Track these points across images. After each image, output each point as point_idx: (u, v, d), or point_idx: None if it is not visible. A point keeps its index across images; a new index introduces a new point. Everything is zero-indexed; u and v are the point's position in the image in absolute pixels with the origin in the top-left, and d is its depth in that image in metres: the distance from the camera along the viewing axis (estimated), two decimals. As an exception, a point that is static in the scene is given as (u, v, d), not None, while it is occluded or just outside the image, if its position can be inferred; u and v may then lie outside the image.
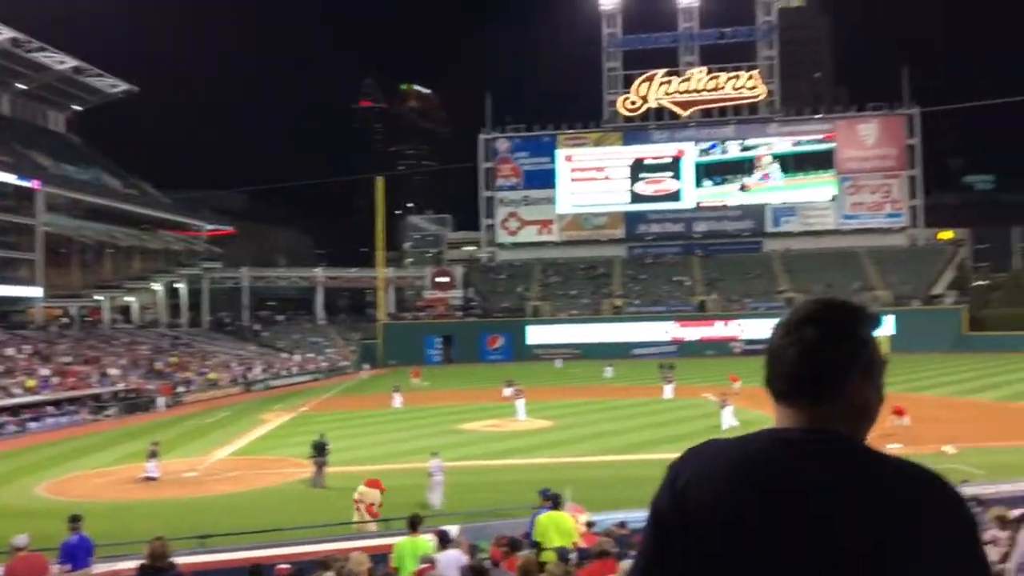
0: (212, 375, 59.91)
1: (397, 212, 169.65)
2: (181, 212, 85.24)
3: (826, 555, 1.50)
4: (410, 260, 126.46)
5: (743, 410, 31.47)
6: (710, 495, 1.60)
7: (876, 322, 1.73)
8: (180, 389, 53.34)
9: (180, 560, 11.74)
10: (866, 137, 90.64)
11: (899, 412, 27.31)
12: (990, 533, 7.87)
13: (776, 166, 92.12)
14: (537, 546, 10.58)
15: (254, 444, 33.03)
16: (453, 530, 12.88)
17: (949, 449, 24.39)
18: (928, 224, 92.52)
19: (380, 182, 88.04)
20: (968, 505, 1.57)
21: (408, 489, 22.00)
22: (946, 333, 74.41)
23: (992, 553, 7.22)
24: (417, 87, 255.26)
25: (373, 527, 16.99)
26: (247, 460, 28.89)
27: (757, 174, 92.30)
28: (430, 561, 9.30)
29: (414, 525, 10.91)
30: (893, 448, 25.04)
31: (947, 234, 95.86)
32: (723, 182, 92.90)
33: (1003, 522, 7.48)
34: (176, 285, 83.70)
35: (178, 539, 15.26)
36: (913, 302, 78.88)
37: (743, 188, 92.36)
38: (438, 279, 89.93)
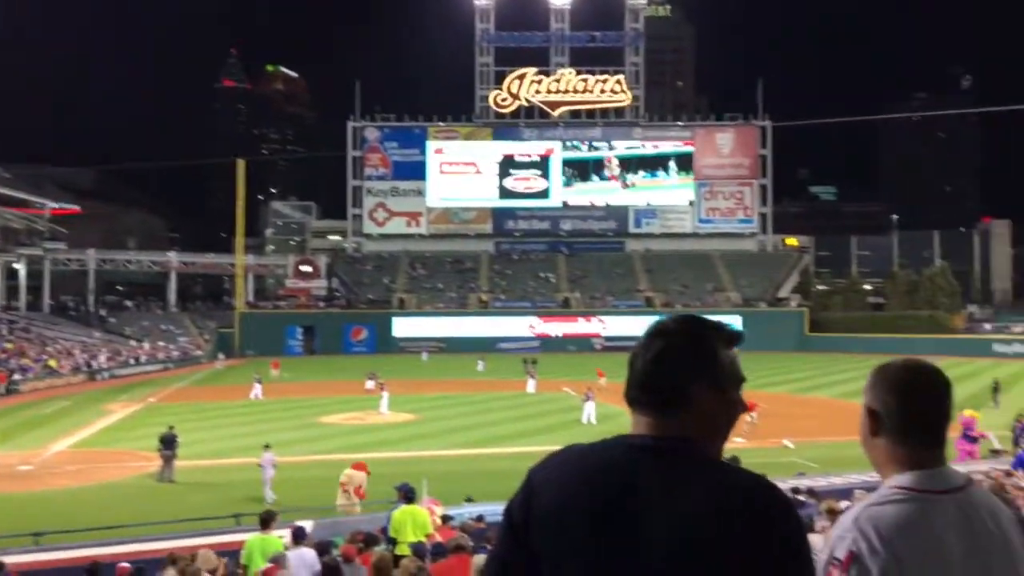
0: (51, 362, 56.21)
1: (259, 197, 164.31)
2: (22, 188, 79.25)
3: (651, 555, 1.59)
4: (272, 247, 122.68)
5: (606, 405, 32.32)
6: (554, 497, 1.68)
7: (733, 339, 1.81)
8: (16, 377, 49.74)
9: (10, 560, 10.94)
10: (722, 146, 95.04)
11: (750, 408, 28.69)
12: (820, 524, 8.40)
13: (639, 169, 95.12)
14: (393, 542, 10.50)
15: (97, 436, 31.23)
16: (308, 526, 12.61)
17: (788, 443, 25.90)
18: (776, 231, 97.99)
19: (241, 165, 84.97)
20: (800, 519, 1.66)
21: (260, 484, 21.39)
22: (790, 334, 79.07)
23: (819, 543, 7.71)
24: (284, 69, 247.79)
25: (358, 509, 17.09)
26: (89, 453, 27.26)
27: (621, 176, 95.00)
28: (276, 560, 9.03)
29: (265, 522, 10.59)
30: (736, 442, 26.40)
31: (793, 241, 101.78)
32: (589, 182, 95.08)
33: (832, 514, 7.98)
34: (15, 266, 77.93)
35: (8, 537, 14.25)
36: (761, 304, 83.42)
37: (609, 187, 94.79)
38: (301, 268, 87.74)
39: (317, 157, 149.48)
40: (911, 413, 1.95)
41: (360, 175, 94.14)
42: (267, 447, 20.51)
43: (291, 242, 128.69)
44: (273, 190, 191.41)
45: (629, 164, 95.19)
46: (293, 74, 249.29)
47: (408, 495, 11.18)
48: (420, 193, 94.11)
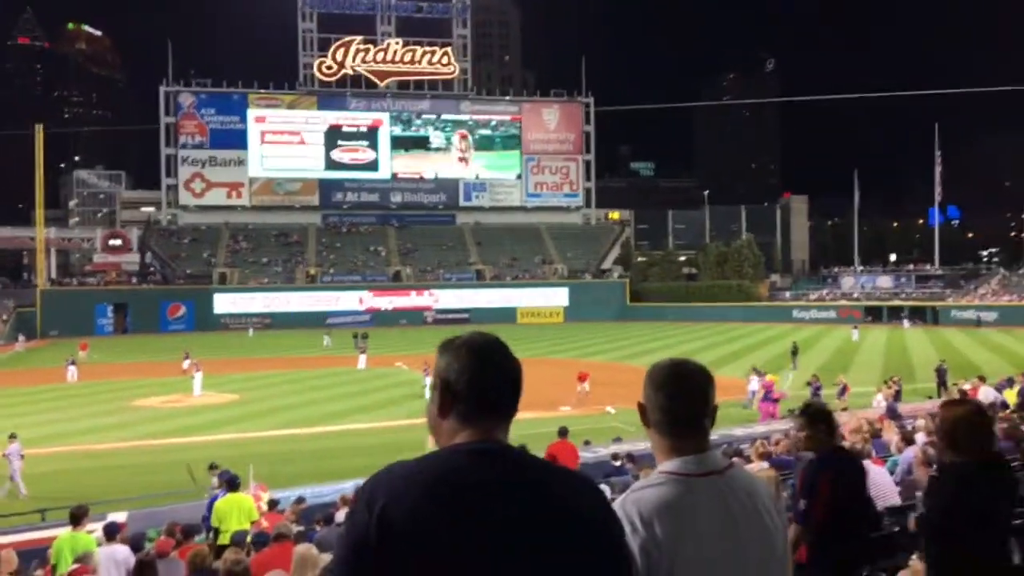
0: None
1: (61, 166, 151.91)
2: None
3: (515, 556, 1.66)
4: (76, 220, 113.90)
5: None
6: (408, 515, 1.66)
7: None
8: None
9: None
10: (549, 121, 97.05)
11: (582, 378, 29.59)
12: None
13: (468, 142, 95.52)
14: (216, 532, 10.10)
15: None
16: (122, 518, 11.91)
17: (611, 410, 27.04)
18: (599, 205, 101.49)
19: (40, 130, 77.92)
20: (613, 507, 1.87)
21: (73, 474, 20.03)
22: (612, 304, 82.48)
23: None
24: (87, 28, 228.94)
25: None
26: None
27: (451, 149, 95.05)
28: (82, 559, 8.47)
29: (76, 518, 9.87)
30: (563, 411, 27.32)
31: (615, 215, 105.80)
32: (418, 154, 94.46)
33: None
34: None
35: None
36: (586, 275, 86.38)
37: (438, 159, 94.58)
38: (110, 242, 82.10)
39: (126, 123, 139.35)
40: (669, 407, 2.21)
41: (174, 143, 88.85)
42: (12, 437, 18.95)
43: (98, 214, 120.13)
44: (77, 158, 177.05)
45: (458, 137, 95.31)
46: (97, 32, 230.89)
47: (231, 483, 10.75)
48: (241, 163, 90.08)
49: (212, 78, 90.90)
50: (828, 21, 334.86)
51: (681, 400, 2.21)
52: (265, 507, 11.69)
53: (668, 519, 2.03)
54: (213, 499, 11.04)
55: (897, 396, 26.06)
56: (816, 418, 4.65)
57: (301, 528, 9.86)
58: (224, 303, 76.49)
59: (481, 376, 1.87)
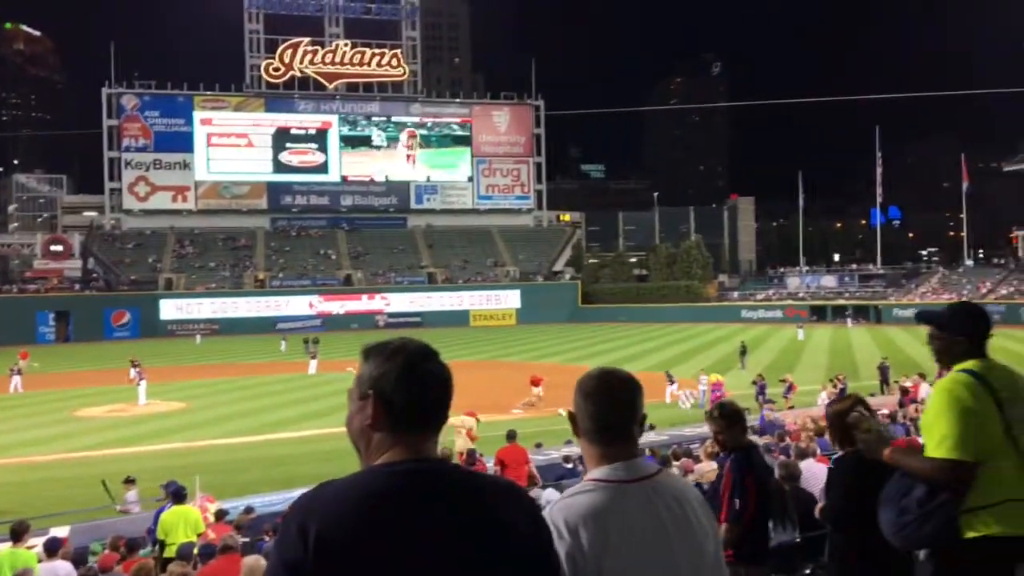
0: None
1: (0, 170, 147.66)
2: None
3: (455, 570, 1.67)
4: (16, 225, 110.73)
5: None
6: (344, 537, 1.63)
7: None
8: None
9: None
10: (499, 124, 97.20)
11: (536, 382, 29.54)
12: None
13: (418, 145, 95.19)
14: (162, 544, 9.91)
15: None
16: (64, 532, 11.62)
17: (562, 412, 27.13)
18: (551, 207, 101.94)
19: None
20: (543, 512, 1.90)
21: (13, 488, 19.48)
22: (565, 305, 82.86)
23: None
24: (26, 28, 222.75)
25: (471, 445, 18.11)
26: None
27: (401, 152, 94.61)
28: (22, 577, 8.26)
29: (17, 534, 9.59)
30: (514, 413, 27.40)
31: (566, 217, 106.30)
32: (368, 157, 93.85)
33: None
34: None
35: None
36: (537, 278, 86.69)
37: (389, 162, 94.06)
38: (51, 247, 79.88)
39: (67, 126, 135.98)
40: (598, 415, 2.26)
41: (118, 146, 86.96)
42: None
43: (39, 219, 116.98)
44: (16, 161, 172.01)
45: (408, 139, 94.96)
46: (36, 33, 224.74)
47: (177, 495, 10.55)
48: (187, 166, 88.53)
49: (156, 80, 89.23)
50: (774, 26, 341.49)
51: (609, 408, 2.25)
52: (212, 518, 11.50)
53: (594, 526, 2.05)
54: (159, 511, 10.83)
55: (842, 394, 26.69)
56: (733, 419, 4.83)
57: (247, 539, 9.73)
58: (170, 309, 75.04)
59: (420, 388, 1.84)
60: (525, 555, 1.76)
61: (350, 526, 1.65)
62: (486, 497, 1.78)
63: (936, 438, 3.07)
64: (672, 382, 30.01)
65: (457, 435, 19.23)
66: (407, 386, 1.83)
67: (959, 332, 3.31)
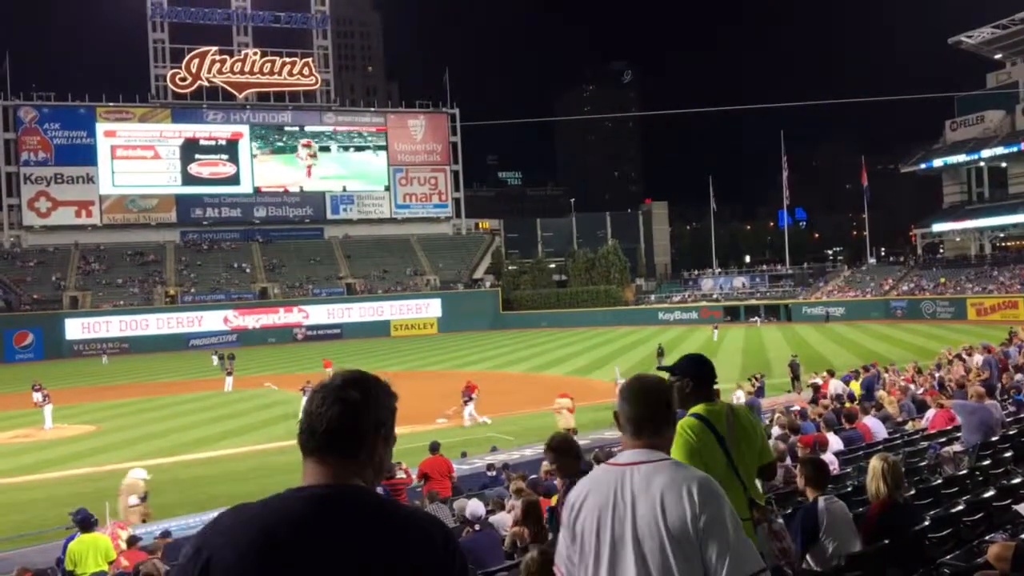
0: None
1: None
2: None
3: None
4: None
5: None
6: (232, 563, 1.68)
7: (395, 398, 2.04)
8: None
9: None
10: (415, 132, 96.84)
11: (471, 389, 29.25)
12: (509, 503, 8.95)
13: (334, 155, 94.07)
14: (71, 575, 9.52)
15: None
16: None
17: (486, 419, 27.19)
18: (469, 215, 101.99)
19: None
20: (450, 535, 1.92)
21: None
22: (485, 313, 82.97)
23: (508, 520, 8.27)
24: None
25: (573, 423, 21.35)
26: None
27: (314, 162, 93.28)
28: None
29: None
30: (438, 423, 27.29)
31: (485, 224, 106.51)
32: (281, 168, 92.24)
33: (519, 493, 8.53)
34: None
35: None
36: (458, 286, 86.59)
37: (302, 172, 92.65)
38: (-55, 268, 75.83)
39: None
40: (622, 413, 2.81)
41: (15, 160, 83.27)
42: None
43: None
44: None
45: (323, 149, 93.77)
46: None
47: (84, 522, 10.11)
48: (91, 180, 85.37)
49: (56, 91, 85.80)
50: (681, 34, 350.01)
51: (630, 406, 2.78)
52: (124, 545, 11.09)
53: (580, 491, 2.71)
54: (67, 541, 10.39)
55: (760, 392, 27.51)
56: (561, 449, 5.22)
57: (163, 566, 9.41)
58: (76, 329, 72.15)
59: (310, 414, 1.92)
60: None
61: (236, 553, 1.68)
62: (379, 531, 1.78)
63: None
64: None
65: (558, 415, 22.40)
66: (303, 414, 1.94)
67: (686, 374, 3.93)
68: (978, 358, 20.43)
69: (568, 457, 5.21)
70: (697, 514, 2.50)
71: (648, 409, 2.74)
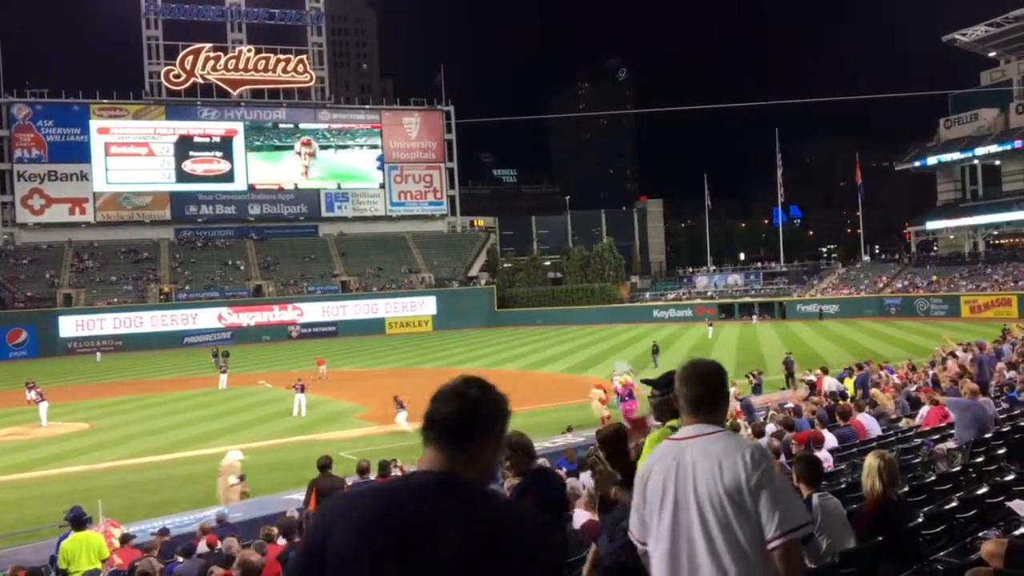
0: None
1: None
2: None
3: (437, 571, 1.92)
4: None
5: (328, 400, 31.50)
6: (344, 537, 1.99)
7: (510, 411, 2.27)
8: None
9: None
10: (410, 130, 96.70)
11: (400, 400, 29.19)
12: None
13: (328, 152, 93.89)
14: (64, 573, 9.49)
15: None
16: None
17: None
18: (464, 212, 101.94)
19: None
20: (548, 531, 2.15)
21: None
22: (481, 310, 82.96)
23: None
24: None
25: (607, 411, 22.96)
26: None
27: (309, 159, 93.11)
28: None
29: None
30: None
31: (480, 222, 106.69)
32: (276, 165, 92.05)
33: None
34: None
35: None
36: (453, 283, 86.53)
37: (297, 170, 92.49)
38: (-63, 265, 75.53)
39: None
40: (681, 395, 3.17)
41: (9, 157, 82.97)
42: None
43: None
44: None
45: (318, 147, 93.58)
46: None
47: (76, 520, 10.07)
48: (84, 177, 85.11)
49: (49, 88, 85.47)
50: (677, 32, 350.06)
51: (684, 388, 3.15)
52: (118, 543, 11.07)
53: (649, 464, 3.11)
54: (61, 539, 10.36)
55: (757, 388, 27.67)
56: (515, 448, 5.35)
57: (159, 564, 9.40)
58: (70, 326, 71.96)
59: (432, 407, 2.16)
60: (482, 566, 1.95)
61: (351, 527, 1.99)
62: (473, 518, 2.00)
63: None
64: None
65: (593, 404, 24.12)
66: (427, 410, 2.19)
67: (670, 388, 4.00)
68: (959, 358, 20.51)
69: (521, 455, 5.35)
70: (750, 474, 2.86)
71: (705, 390, 3.11)
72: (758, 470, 2.88)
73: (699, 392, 3.11)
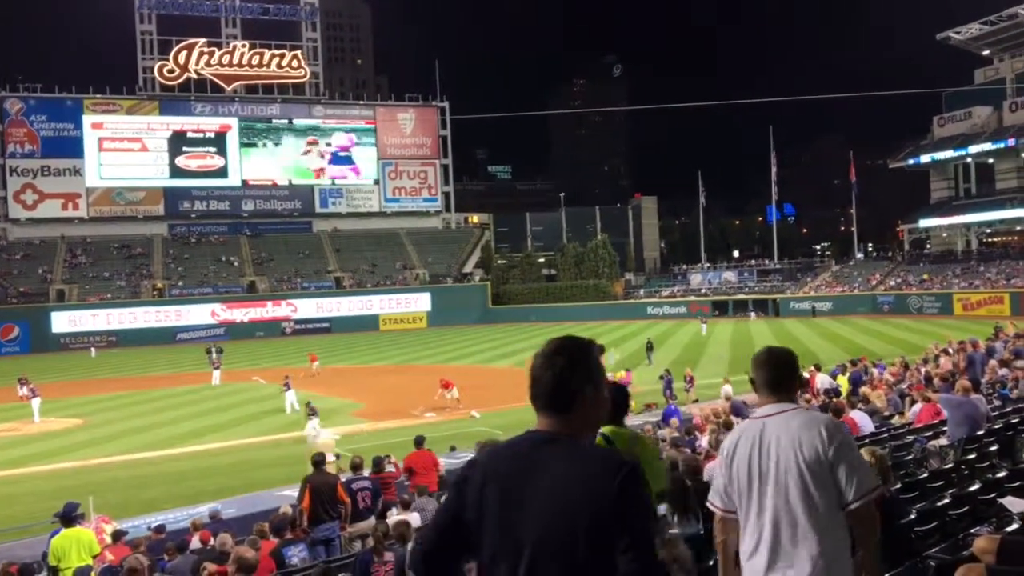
0: None
1: None
2: None
3: (546, 509, 2.36)
4: None
5: (322, 397, 31.42)
6: (480, 479, 2.50)
7: (601, 350, 2.62)
8: None
9: None
10: (404, 126, 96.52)
11: (447, 386, 29.37)
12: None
13: (323, 147, 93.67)
14: (55, 570, 9.45)
15: None
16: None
17: (475, 414, 27.22)
18: (458, 209, 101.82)
19: None
20: (643, 474, 2.44)
21: None
22: (475, 307, 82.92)
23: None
24: None
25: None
26: None
27: (304, 154, 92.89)
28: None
29: None
30: (428, 417, 27.32)
31: (475, 218, 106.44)
32: (270, 161, 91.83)
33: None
34: None
35: None
36: (447, 280, 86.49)
37: (292, 165, 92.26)
38: (-71, 260, 75.18)
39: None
40: (758, 377, 3.55)
41: (1, 152, 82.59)
42: None
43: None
44: None
45: (312, 142, 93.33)
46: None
47: (66, 517, 10.02)
48: (77, 172, 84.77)
49: (43, 83, 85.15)
50: (672, 28, 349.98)
51: (756, 371, 3.54)
52: (109, 539, 11.03)
53: (744, 436, 3.41)
54: (52, 535, 10.32)
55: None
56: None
57: (146, 560, 9.36)
58: (63, 322, 71.72)
59: (533, 378, 2.52)
60: (578, 510, 2.33)
61: (485, 469, 2.51)
62: (561, 463, 2.41)
63: None
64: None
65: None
66: (530, 378, 2.55)
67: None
68: (944, 360, 20.61)
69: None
70: (827, 446, 3.20)
71: (780, 372, 3.48)
72: (834, 443, 3.22)
73: (775, 374, 3.48)
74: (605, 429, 4.28)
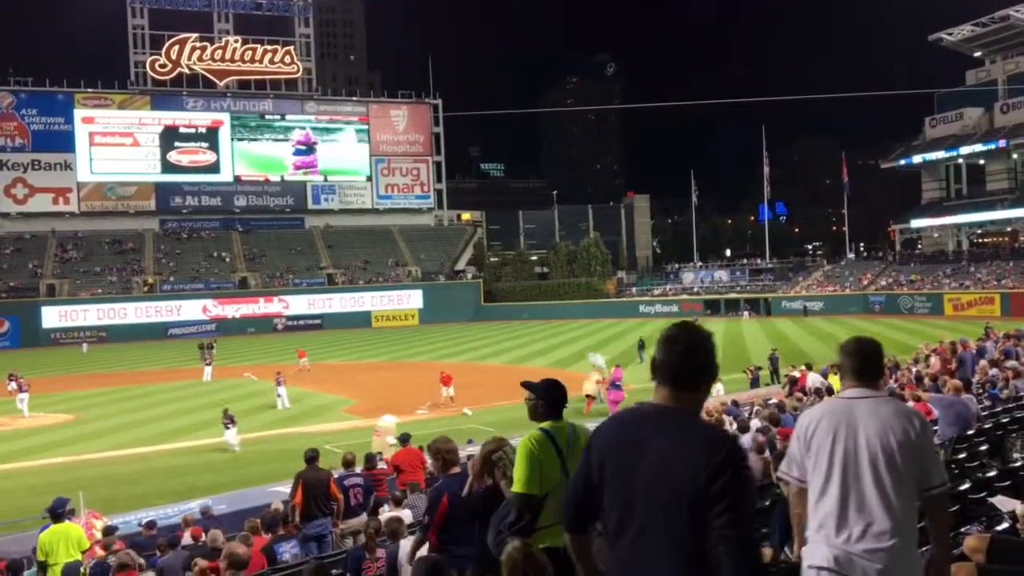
0: None
1: None
2: None
3: (657, 476, 2.65)
4: None
5: (313, 393, 31.33)
6: (602, 444, 2.90)
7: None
8: None
9: None
10: (397, 122, 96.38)
11: (446, 382, 29.33)
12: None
13: (315, 143, 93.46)
14: (44, 566, 9.41)
15: None
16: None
17: (467, 411, 27.22)
18: (451, 206, 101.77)
19: None
20: (747, 456, 2.75)
21: None
22: (467, 304, 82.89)
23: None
24: None
25: (595, 392, 26.42)
26: None
27: (296, 150, 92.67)
28: None
29: None
30: (420, 413, 27.30)
31: (467, 215, 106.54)
32: (262, 156, 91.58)
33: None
34: None
35: None
36: (439, 277, 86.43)
37: (284, 161, 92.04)
38: (-82, 254, 74.74)
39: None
40: (846, 364, 3.76)
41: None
42: None
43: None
44: None
45: (304, 138, 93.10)
46: None
47: (55, 513, 9.96)
48: (68, 166, 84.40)
49: (33, 76, 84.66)
50: (665, 27, 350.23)
51: (848, 359, 3.68)
52: (99, 535, 10.98)
53: (814, 415, 3.61)
54: (41, 531, 10.27)
55: (754, 383, 28.02)
56: (438, 451, 6.09)
57: (143, 560, 9.34)
58: (53, 317, 71.42)
59: (659, 357, 2.85)
60: (681, 475, 2.60)
61: (607, 437, 2.92)
62: (673, 435, 2.72)
63: (516, 477, 4.18)
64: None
65: (588, 379, 26.76)
66: (656, 356, 2.89)
67: (540, 396, 4.50)
68: (934, 359, 20.71)
69: (438, 462, 6.04)
70: (918, 435, 3.41)
71: (867, 361, 3.65)
72: (925, 434, 3.46)
73: (863, 363, 3.64)
74: (545, 424, 4.37)
